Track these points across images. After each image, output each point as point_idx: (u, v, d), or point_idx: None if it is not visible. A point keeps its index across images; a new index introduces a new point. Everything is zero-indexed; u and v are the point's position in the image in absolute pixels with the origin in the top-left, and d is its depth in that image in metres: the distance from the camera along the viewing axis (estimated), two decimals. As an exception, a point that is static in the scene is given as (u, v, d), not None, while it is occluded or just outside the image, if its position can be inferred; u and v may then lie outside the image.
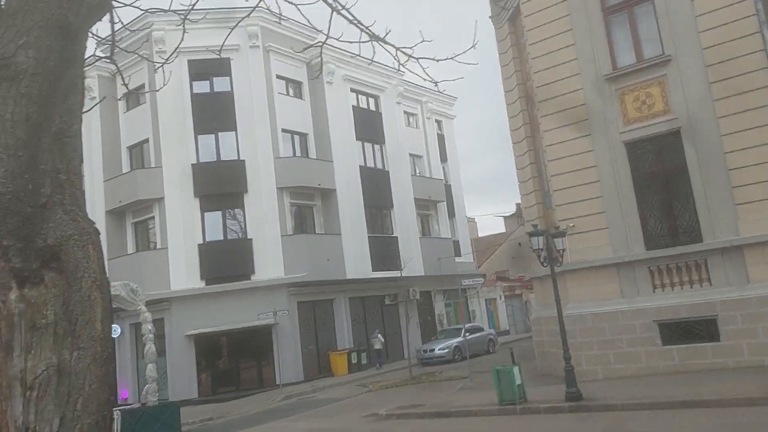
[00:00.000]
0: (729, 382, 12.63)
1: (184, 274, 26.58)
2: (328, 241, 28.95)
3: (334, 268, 28.55)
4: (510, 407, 13.41)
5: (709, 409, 11.17)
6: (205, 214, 27.54)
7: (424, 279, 33.65)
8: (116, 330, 27.72)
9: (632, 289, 15.62)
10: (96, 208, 28.49)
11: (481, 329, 31.38)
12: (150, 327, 18.07)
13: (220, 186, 27.51)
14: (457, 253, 37.83)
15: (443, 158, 38.87)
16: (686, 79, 15.00)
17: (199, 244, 27.02)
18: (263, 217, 27.39)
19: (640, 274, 15.52)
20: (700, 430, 10.31)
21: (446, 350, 28.31)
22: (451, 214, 38.57)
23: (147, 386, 17.63)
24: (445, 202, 37.66)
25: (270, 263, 27.12)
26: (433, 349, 28.61)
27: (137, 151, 28.84)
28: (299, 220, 29.09)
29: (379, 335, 28.81)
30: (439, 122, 39.43)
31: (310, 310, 27.94)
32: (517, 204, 68.01)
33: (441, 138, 39.31)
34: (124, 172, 28.66)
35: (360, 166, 31.79)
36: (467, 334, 29.36)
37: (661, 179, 15.69)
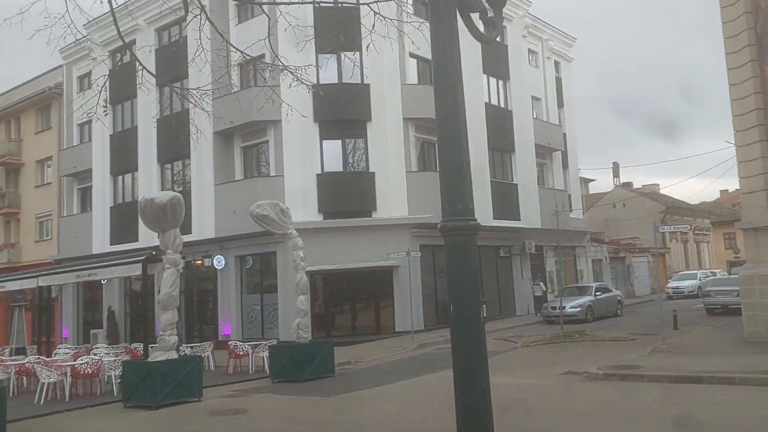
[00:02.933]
0: None
1: (300, 205, 24.27)
2: (453, 181, 26.27)
3: (458, 211, 25.93)
4: None
5: None
6: (324, 142, 25.13)
7: (540, 232, 30.92)
8: (220, 261, 25.84)
9: None
10: (203, 128, 26.34)
11: (609, 290, 28.65)
12: (301, 254, 15.82)
13: (341, 112, 25.00)
14: (570, 208, 34.87)
15: (560, 104, 35.58)
16: None
17: (317, 174, 24.69)
18: (387, 150, 24.86)
19: None
20: None
21: (578, 309, 25.69)
22: (565, 165, 35.46)
23: (298, 320, 15.46)
24: (560, 152, 34.57)
25: (393, 200, 24.67)
26: (564, 307, 25.98)
27: (250, 67, 26.38)
28: (423, 156, 26.47)
29: (541, 283, 26.53)
30: (557, 64, 36.02)
31: (431, 255, 25.48)
32: (614, 163, 64.15)
33: (558, 81, 35.94)
34: (234, 90, 26.31)
35: (485, 103, 28.86)
36: (598, 293, 26.84)
37: None
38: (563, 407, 10.48)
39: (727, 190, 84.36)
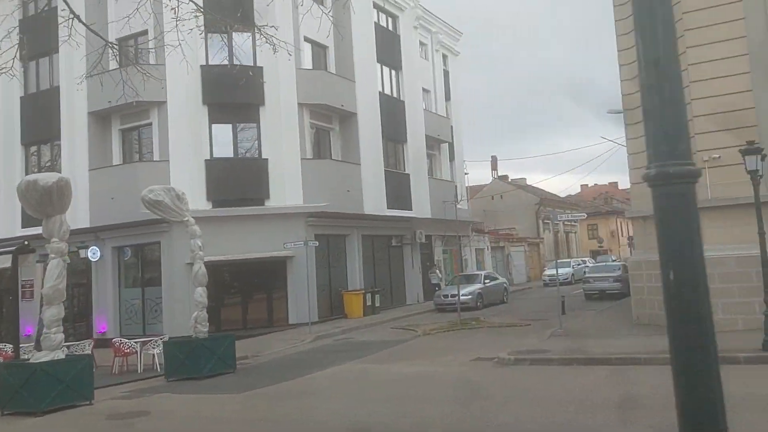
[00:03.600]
0: None
1: (187, 193, 22.73)
2: (348, 170, 25.87)
3: (353, 200, 25.59)
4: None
5: None
6: (214, 126, 23.77)
7: (429, 222, 31.30)
8: (95, 253, 23.75)
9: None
10: (76, 109, 24.14)
11: (496, 278, 29.47)
12: (199, 243, 14.72)
13: (232, 95, 23.67)
14: (457, 199, 35.58)
15: (447, 96, 36.18)
16: None
17: (206, 160, 23.31)
18: (281, 136, 23.92)
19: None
20: None
21: (470, 296, 26.17)
22: (452, 157, 36.14)
23: (196, 314, 14.36)
24: (447, 144, 35.17)
25: (287, 189, 23.81)
26: (456, 294, 26.39)
27: (130, 45, 24.40)
28: (318, 144, 25.80)
29: (438, 270, 26.54)
30: (445, 57, 36.57)
31: (325, 244, 24.89)
32: (493, 156, 66.42)
33: (446, 75, 36.53)
34: (112, 68, 24.21)
35: (379, 92, 28.66)
36: (486, 281, 27.53)
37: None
38: (486, 393, 10.38)
39: (587, 184, 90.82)
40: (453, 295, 26.56)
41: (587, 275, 28.11)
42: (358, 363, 14.80)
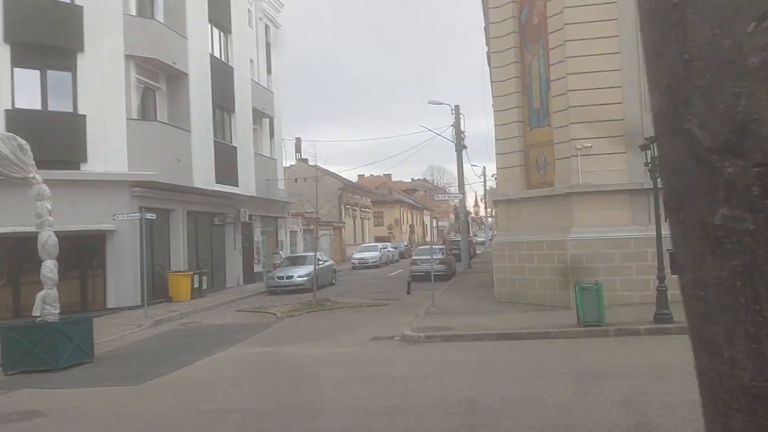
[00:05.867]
0: None
1: (-19, 148, 18.56)
2: (178, 136, 23.21)
3: (182, 172, 23.05)
4: (597, 329, 11.86)
5: None
6: (17, 70, 19.64)
7: (253, 200, 29.63)
8: None
9: (644, 217, 15.23)
10: None
11: (327, 259, 28.82)
12: (48, 206, 11.86)
13: (43, 34, 19.82)
14: (277, 178, 34.25)
15: (269, 69, 34.49)
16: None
17: (6, 111, 19.16)
18: (103, 90, 20.56)
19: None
20: None
21: (306, 278, 25.20)
22: (272, 133, 34.61)
23: (44, 292, 11.53)
24: (269, 119, 33.58)
25: (109, 152, 20.59)
26: (291, 276, 25.26)
27: None
28: (144, 104, 22.71)
29: (281, 251, 24.59)
30: (267, 28, 34.78)
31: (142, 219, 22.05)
32: (297, 138, 65.50)
33: (268, 46, 34.78)
34: None
35: (210, 54, 26.20)
36: (319, 262, 26.89)
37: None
38: (416, 370, 9.71)
39: (363, 174, 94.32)
40: (288, 277, 25.44)
41: (414, 257, 28.81)
42: (245, 347, 13.21)
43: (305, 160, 56.56)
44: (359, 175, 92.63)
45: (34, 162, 12.08)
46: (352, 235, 55.41)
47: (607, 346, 10.96)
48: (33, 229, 17.37)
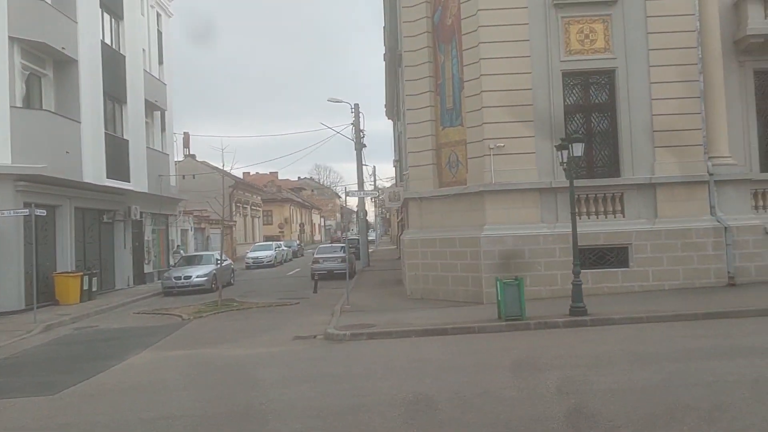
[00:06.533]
0: (642, 302, 13.79)
1: None
2: (67, 127, 21.52)
3: (71, 165, 21.43)
4: (518, 323, 12.28)
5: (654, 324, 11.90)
6: None
7: (144, 197, 28.14)
8: None
9: (552, 215, 15.99)
10: None
11: (226, 259, 27.81)
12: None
13: None
14: (169, 174, 32.68)
15: (160, 60, 32.84)
16: (628, 24, 16.04)
17: None
18: (-17, 74, 18.72)
19: (562, 201, 15.96)
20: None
21: (205, 278, 24.31)
22: (163, 127, 32.97)
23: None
24: (160, 112, 31.98)
25: (-10, 141, 18.77)
26: (190, 276, 24.18)
27: None
28: (29, 92, 20.86)
29: (181, 250, 23.17)
30: (159, 17, 33.10)
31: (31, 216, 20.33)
32: (185, 132, 62.87)
33: (160, 36, 33.10)
34: None
35: (101, 41, 24.53)
36: (218, 262, 26.09)
37: (591, 112, 16.47)
38: (371, 371, 9.65)
39: (249, 172, 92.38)
40: (186, 277, 24.38)
41: (317, 255, 28.53)
42: (159, 351, 12.45)
43: (193, 156, 54.62)
44: (245, 173, 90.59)
45: None
46: (242, 234, 54.07)
47: (533, 338, 11.40)
48: None
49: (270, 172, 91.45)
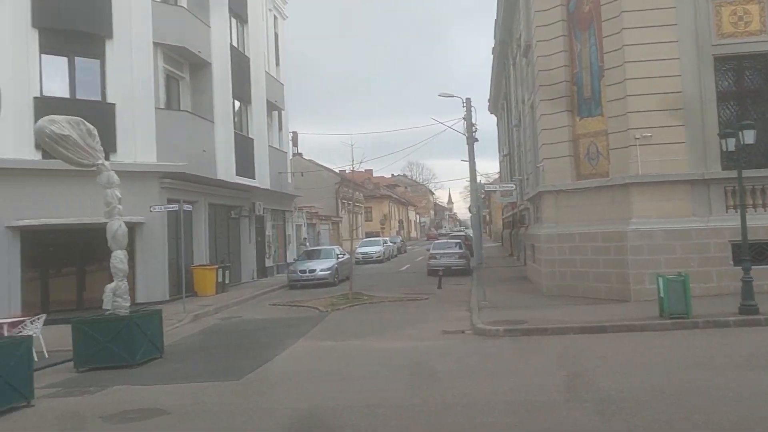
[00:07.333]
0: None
1: (9, 137, 17.87)
2: (202, 127, 22.60)
3: (207, 163, 22.47)
4: (684, 321, 11.70)
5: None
6: (45, 56, 18.89)
7: (266, 194, 29.11)
8: None
9: (705, 208, 15.16)
10: None
11: (345, 253, 28.39)
12: (117, 194, 11.33)
13: (72, 20, 19.13)
14: (289, 171, 33.72)
15: (277, 61, 33.87)
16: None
17: (35, 98, 18.41)
18: (132, 78, 19.93)
19: (715, 193, 15.14)
20: None
21: (328, 272, 24.83)
22: (280, 126, 34.01)
23: (115, 284, 11.00)
24: (278, 112, 32.99)
25: (138, 142, 19.95)
26: (314, 270, 24.78)
27: None
28: (169, 94, 22.05)
29: (307, 243, 24.05)
30: (276, 19, 34.15)
31: (173, 212, 21.44)
32: (293, 132, 64.85)
33: (276, 38, 34.15)
34: None
35: (230, 45, 25.58)
36: (340, 256, 26.59)
37: (745, 98, 15.50)
38: (557, 366, 9.46)
39: (345, 170, 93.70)
40: (311, 271, 24.98)
41: (432, 252, 28.48)
42: (311, 341, 12.82)
43: (300, 155, 56.10)
44: (340, 170, 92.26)
45: (102, 148, 11.52)
46: (346, 230, 54.97)
47: (710, 338, 10.78)
48: (91, 220, 16.82)
49: (365, 170, 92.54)
